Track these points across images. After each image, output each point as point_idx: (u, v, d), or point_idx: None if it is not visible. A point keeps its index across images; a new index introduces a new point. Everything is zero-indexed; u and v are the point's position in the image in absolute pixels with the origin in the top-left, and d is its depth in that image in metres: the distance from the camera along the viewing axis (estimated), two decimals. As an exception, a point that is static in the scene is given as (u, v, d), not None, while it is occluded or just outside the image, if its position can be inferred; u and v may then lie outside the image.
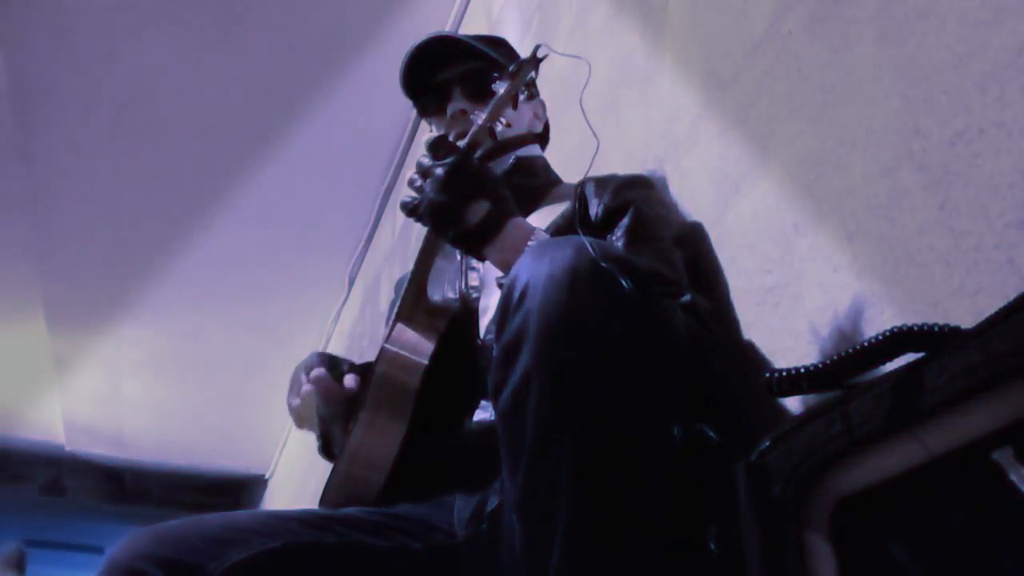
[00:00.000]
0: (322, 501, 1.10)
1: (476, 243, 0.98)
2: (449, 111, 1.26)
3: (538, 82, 1.38)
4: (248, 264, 3.78)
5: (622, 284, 0.74)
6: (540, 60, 1.09)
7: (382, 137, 3.24)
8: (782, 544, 0.59)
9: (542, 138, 1.39)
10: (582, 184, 1.22)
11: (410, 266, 1.20)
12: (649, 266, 0.99)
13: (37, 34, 2.73)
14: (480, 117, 1.04)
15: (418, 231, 2.79)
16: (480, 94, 1.26)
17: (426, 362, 1.08)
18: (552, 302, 0.73)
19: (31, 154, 3.17)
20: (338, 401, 1.12)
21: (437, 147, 1.00)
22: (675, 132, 1.33)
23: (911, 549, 0.56)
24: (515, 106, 1.09)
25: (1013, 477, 0.51)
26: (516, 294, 0.76)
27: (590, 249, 0.75)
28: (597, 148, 1.05)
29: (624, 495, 0.72)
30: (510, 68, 1.08)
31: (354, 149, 3.26)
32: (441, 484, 1.05)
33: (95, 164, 3.24)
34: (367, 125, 3.14)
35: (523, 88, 1.10)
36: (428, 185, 0.97)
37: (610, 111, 1.55)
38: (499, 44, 1.36)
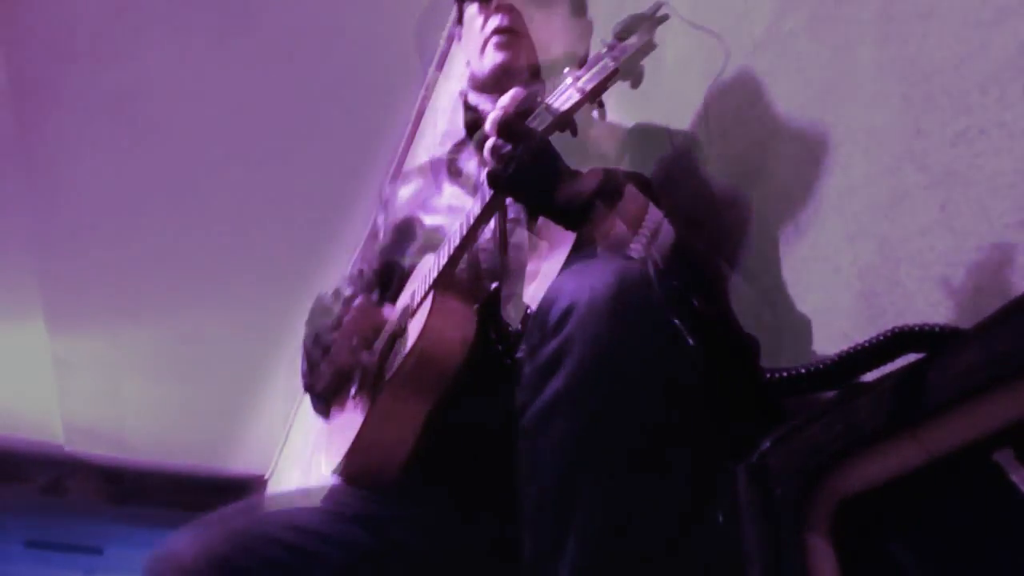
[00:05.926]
0: (337, 477, 1.08)
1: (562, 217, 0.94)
2: (495, 2, 1.23)
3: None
4: (248, 263, 3.78)
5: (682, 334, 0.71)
6: (660, 21, 0.85)
7: (383, 135, 3.24)
8: (782, 544, 0.59)
9: None
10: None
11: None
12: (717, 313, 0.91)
13: (37, 34, 2.72)
14: (576, 88, 0.89)
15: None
16: None
17: (471, 338, 1.01)
18: (597, 334, 0.70)
19: (31, 154, 3.17)
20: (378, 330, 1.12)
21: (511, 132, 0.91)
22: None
23: (911, 549, 0.56)
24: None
25: (1014, 478, 0.51)
26: (556, 315, 0.73)
27: (653, 282, 0.73)
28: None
29: (634, 537, 0.69)
30: (615, 30, 0.85)
31: (355, 147, 3.26)
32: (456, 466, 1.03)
33: (95, 164, 3.24)
34: (368, 123, 3.14)
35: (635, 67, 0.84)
36: (519, 151, 0.90)
37: (610, 110, 1.54)
38: None
